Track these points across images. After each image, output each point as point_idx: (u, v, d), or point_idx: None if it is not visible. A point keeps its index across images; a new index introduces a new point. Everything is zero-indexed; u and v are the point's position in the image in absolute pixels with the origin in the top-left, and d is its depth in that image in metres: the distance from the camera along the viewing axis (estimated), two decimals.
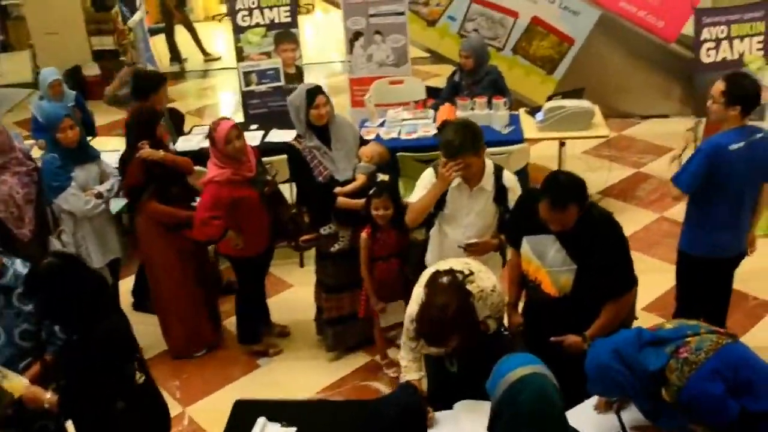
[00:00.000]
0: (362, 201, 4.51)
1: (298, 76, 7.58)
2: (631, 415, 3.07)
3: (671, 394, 2.74)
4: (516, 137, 5.96)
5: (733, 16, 5.30)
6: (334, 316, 4.91)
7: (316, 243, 4.84)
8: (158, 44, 11.19)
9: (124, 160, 4.77)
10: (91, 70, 10.01)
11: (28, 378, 3.23)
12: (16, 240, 4.51)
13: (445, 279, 3.15)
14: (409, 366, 3.38)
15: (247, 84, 7.59)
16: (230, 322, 5.38)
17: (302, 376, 4.91)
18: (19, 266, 3.37)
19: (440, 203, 3.99)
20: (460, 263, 3.32)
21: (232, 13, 7.44)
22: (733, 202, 4.01)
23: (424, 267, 4.16)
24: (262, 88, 7.58)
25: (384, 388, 4.75)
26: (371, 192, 4.45)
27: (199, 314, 5.08)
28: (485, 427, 3.19)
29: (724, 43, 5.27)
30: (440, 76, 9.23)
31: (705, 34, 5.24)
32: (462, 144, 3.70)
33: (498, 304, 3.27)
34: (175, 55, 11.47)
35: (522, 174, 5.35)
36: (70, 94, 6.80)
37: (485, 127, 6.13)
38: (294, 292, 5.66)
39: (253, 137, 6.61)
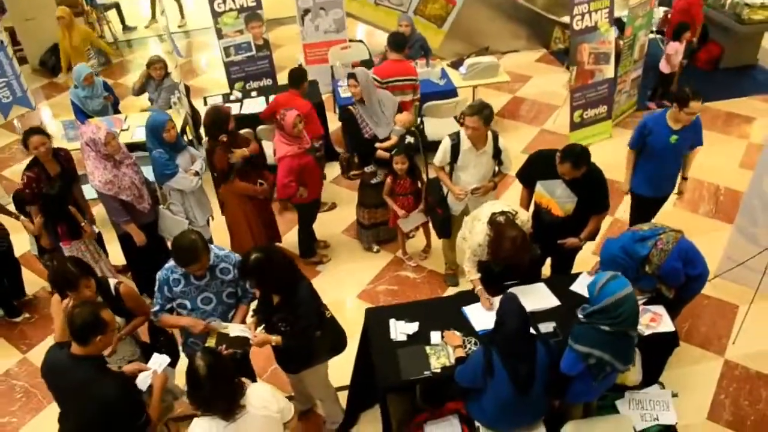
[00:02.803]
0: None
1: (265, 45, 7.33)
2: None
3: (653, 269, 3.42)
4: (449, 87, 6.25)
5: None
6: (371, 223, 5.29)
7: (361, 176, 5.11)
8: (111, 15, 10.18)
9: (210, 152, 4.65)
10: None
11: (239, 321, 3.44)
12: (139, 212, 4.53)
13: (502, 218, 3.50)
14: (471, 271, 3.78)
15: (227, 55, 7.26)
16: (285, 244, 5.47)
17: (352, 273, 5.15)
18: (216, 250, 3.45)
19: (455, 158, 4.30)
20: (502, 205, 3.67)
21: (210, 1, 6.97)
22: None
23: (444, 196, 4.58)
24: (239, 57, 7.26)
25: (410, 274, 5.12)
26: (393, 152, 4.74)
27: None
28: (530, 303, 3.67)
29: (586, 16, 5.77)
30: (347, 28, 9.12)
31: (576, 10, 5.69)
32: (482, 109, 4.08)
33: (529, 229, 3.71)
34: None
35: None
36: (99, 82, 6.28)
37: (426, 81, 6.45)
38: (322, 215, 5.56)
39: (256, 103, 6.51)
